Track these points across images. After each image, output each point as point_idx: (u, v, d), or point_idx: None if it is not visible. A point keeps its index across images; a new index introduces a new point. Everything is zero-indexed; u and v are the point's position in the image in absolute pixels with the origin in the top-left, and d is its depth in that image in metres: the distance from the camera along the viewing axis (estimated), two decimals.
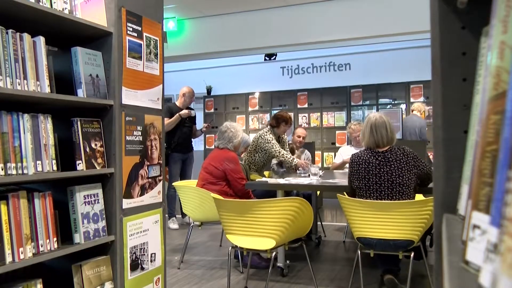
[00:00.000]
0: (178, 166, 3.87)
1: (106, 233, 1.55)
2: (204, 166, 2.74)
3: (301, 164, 3.20)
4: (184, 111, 3.82)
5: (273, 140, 3.26)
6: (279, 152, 3.22)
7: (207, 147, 6.37)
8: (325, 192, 4.83)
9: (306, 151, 3.91)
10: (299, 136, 3.75)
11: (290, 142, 3.76)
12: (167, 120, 3.68)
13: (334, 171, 3.45)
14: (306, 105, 5.90)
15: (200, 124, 4.52)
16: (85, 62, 1.50)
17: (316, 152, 5.38)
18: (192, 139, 4.10)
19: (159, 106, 1.83)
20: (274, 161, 3.69)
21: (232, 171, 2.62)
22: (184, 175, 3.92)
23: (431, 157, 3.47)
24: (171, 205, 3.90)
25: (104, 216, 1.55)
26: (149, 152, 1.76)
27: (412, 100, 5.40)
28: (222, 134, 2.77)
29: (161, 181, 1.83)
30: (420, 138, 4.49)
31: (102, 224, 1.53)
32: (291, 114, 5.80)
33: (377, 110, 5.45)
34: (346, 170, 3.24)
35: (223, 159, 2.65)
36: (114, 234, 1.57)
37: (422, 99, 5.36)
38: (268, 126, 3.47)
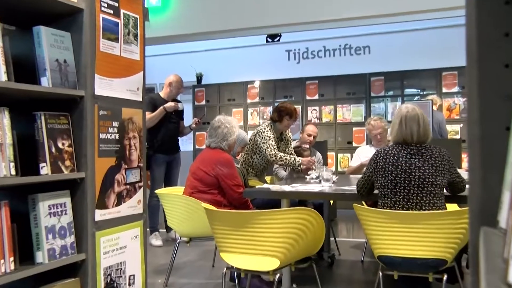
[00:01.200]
0: (162, 170, 3.88)
1: (75, 250, 1.55)
2: (192, 171, 2.73)
3: (306, 162, 3.18)
4: (170, 104, 3.82)
5: (271, 139, 3.27)
6: (274, 155, 3.22)
7: (197, 147, 6.39)
8: (339, 202, 4.84)
9: (317, 153, 3.91)
10: (309, 135, 3.73)
11: (297, 141, 3.78)
12: (149, 115, 3.69)
13: (351, 176, 3.45)
14: (316, 97, 5.91)
15: (188, 119, 4.51)
16: (50, 44, 1.50)
17: (328, 153, 5.38)
18: (179, 138, 4.09)
19: (139, 97, 1.83)
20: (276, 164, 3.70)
21: (226, 176, 2.62)
22: (169, 181, 3.92)
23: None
24: (153, 217, 3.90)
25: (73, 230, 1.55)
26: (128, 153, 1.77)
27: (444, 90, 5.41)
28: (214, 131, 2.77)
29: (142, 188, 1.84)
30: (441, 136, 4.51)
31: (70, 239, 1.54)
32: (298, 108, 5.92)
33: (402, 102, 5.45)
34: None
35: (215, 161, 2.65)
36: (85, 252, 1.57)
37: (456, 88, 5.37)
38: (269, 121, 3.48)
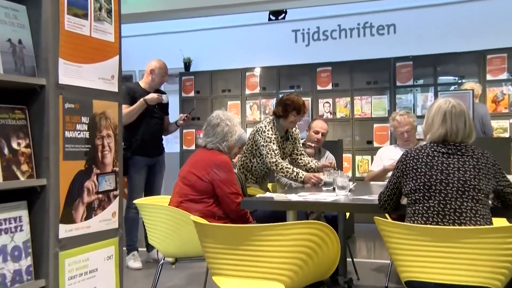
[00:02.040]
0: (142, 175, 3.88)
1: (32, 276, 1.53)
2: (181, 175, 2.74)
3: (310, 179, 3.17)
4: (152, 95, 3.82)
5: (272, 142, 3.28)
6: (275, 164, 3.22)
7: (184, 147, 6.40)
8: (357, 215, 4.83)
9: (329, 154, 3.92)
10: (316, 132, 3.74)
11: (304, 140, 3.77)
12: (126, 108, 3.68)
13: (371, 182, 3.45)
14: (329, 87, 5.91)
15: (174, 114, 4.50)
16: (1, 20, 1.49)
17: (344, 155, 5.37)
18: (163, 137, 4.09)
19: (114, 87, 1.82)
20: None
21: (223, 182, 2.62)
22: (150, 189, 3.94)
23: None
24: (131, 233, 3.90)
25: (30, 250, 1.54)
26: (100, 155, 1.76)
27: (489, 77, 5.36)
28: (212, 129, 2.78)
29: (118, 198, 1.83)
30: (484, 134, 4.47)
31: (26, 262, 1.52)
32: (307, 100, 5.91)
33: (436, 93, 5.45)
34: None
35: (210, 164, 2.66)
36: (44, 278, 1.55)
37: (505, 75, 5.32)
38: (271, 116, 3.48)
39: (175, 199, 2.70)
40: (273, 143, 3.28)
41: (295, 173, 3.21)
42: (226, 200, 2.62)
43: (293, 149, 3.55)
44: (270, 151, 3.25)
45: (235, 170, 3.10)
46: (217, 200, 2.64)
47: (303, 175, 3.20)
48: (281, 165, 3.23)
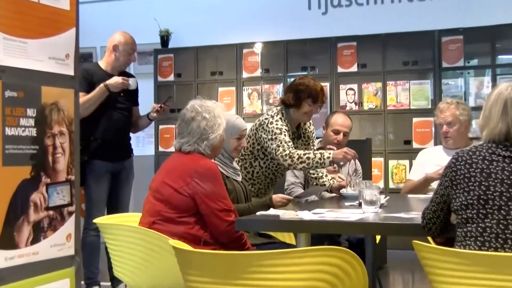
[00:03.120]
0: (104, 186, 3.90)
1: None
2: (153, 188, 2.74)
3: (340, 153, 3.19)
4: (116, 80, 3.83)
5: (283, 133, 3.28)
6: (289, 156, 3.21)
7: (161, 149, 6.40)
8: (391, 239, 4.83)
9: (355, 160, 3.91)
10: (336, 132, 3.73)
11: (318, 142, 3.80)
12: (82, 97, 3.69)
13: (410, 196, 3.46)
14: (354, 68, 5.92)
15: (147, 104, 4.50)
16: None
17: (374, 159, 5.38)
18: (131, 135, 4.11)
19: (69, 69, 1.83)
20: (291, 176, 3.70)
21: (209, 196, 2.61)
22: (115, 203, 3.96)
23: None
24: (91, 262, 3.91)
25: None
26: (51, 159, 1.77)
27: None
28: (186, 125, 2.75)
29: (74, 216, 1.83)
30: None
31: None
32: (325, 86, 5.76)
33: (494, 76, 5.47)
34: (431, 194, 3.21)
35: (191, 172, 2.64)
36: None
37: None
38: (278, 107, 3.49)
39: (145, 220, 2.70)
40: (284, 135, 3.28)
41: (318, 154, 3.20)
42: (214, 220, 2.61)
43: (306, 149, 3.56)
44: (281, 143, 3.24)
45: (238, 178, 3.11)
46: (201, 220, 2.64)
47: (330, 152, 3.20)
48: (297, 155, 3.21)
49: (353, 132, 4.00)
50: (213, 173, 2.67)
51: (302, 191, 3.60)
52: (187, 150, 2.74)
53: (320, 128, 4.10)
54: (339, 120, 3.76)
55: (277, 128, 3.29)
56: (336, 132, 3.72)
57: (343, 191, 3.31)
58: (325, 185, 3.47)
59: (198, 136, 2.73)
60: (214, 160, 2.88)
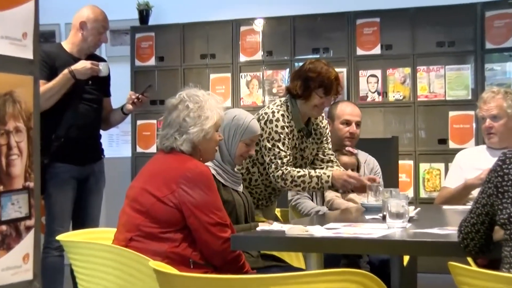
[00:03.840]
0: (69, 194, 3.92)
1: None
2: (131, 196, 2.74)
3: (341, 177, 3.24)
4: (83, 64, 3.84)
5: (281, 141, 3.30)
6: (282, 177, 3.26)
7: (139, 149, 6.41)
8: (422, 260, 4.80)
9: (370, 160, 3.93)
10: (347, 122, 3.76)
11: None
12: (42, 85, 3.69)
13: (445, 207, 3.48)
14: (377, 50, 5.92)
15: (120, 95, 4.49)
16: None
17: (401, 161, 5.38)
18: (101, 132, 4.13)
19: (27, 52, 1.83)
20: None
21: (200, 206, 2.61)
22: (82, 216, 3.98)
23: None
24: (53, 286, 3.90)
25: None
26: (4, 161, 1.76)
27: None
28: (168, 115, 2.78)
29: (33, 232, 1.83)
30: None
31: None
32: (341, 72, 5.81)
33: None
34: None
35: (176, 177, 2.65)
36: None
37: None
38: (283, 99, 3.50)
39: (121, 235, 2.70)
40: (282, 144, 3.31)
41: (315, 178, 3.25)
42: (205, 236, 2.61)
43: (319, 150, 3.58)
44: (275, 157, 3.28)
45: (239, 188, 3.13)
46: (190, 236, 2.64)
47: (329, 174, 3.24)
48: (291, 177, 3.26)
49: (376, 129, 4.02)
50: (204, 178, 2.67)
51: (311, 204, 3.60)
52: (167, 148, 2.75)
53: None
54: (347, 109, 3.79)
55: (275, 132, 3.31)
56: (347, 123, 3.75)
57: (363, 201, 3.31)
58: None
59: (176, 128, 2.74)
60: (210, 164, 2.90)
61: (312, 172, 3.30)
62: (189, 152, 2.74)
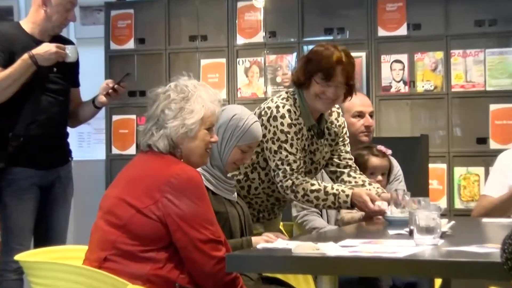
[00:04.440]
0: (29, 205, 3.93)
1: None
2: (106, 208, 2.74)
3: (364, 200, 3.25)
4: (46, 48, 3.84)
5: (289, 142, 3.32)
6: (291, 187, 3.29)
7: (115, 151, 6.42)
8: (457, 283, 4.80)
9: (394, 165, 3.95)
10: (360, 115, 3.85)
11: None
12: None
13: (485, 220, 3.49)
14: (402, 30, 5.94)
15: (92, 84, 4.48)
16: None
17: (432, 165, 5.40)
18: (68, 130, 4.15)
19: None
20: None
21: (188, 219, 2.62)
22: (46, 231, 4.00)
23: None
24: None
25: None
26: None
27: None
28: (149, 107, 2.80)
29: None
30: None
31: None
32: (359, 57, 5.84)
33: None
34: None
35: (161, 183, 2.66)
36: None
37: None
38: (290, 90, 3.53)
39: (93, 254, 2.70)
40: (291, 144, 3.31)
41: (331, 196, 3.26)
42: (195, 256, 2.61)
43: (332, 156, 3.59)
44: (282, 163, 3.29)
45: (233, 197, 3.13)
46: (176, 256, 2.65)
47: (349, 194, 3.25)
48: (303, 189, 3.28)
49: (401, 126, 3.99)
50: (193, 185, 2.67)
51: (321, 222, 3.59)
52: (143, 144, 2.78)
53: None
54: (357, 100, 3.80)
55: (281, 131, 3.32)
56: (359, 115, 3.82)
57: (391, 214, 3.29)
58: None
59: (154, 121, 2.77)
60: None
61: (329, 188, 3.31)
62: (166, 151, 2.76)
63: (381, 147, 3.70)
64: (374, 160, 3.67)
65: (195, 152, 2.83)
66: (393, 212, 3.26)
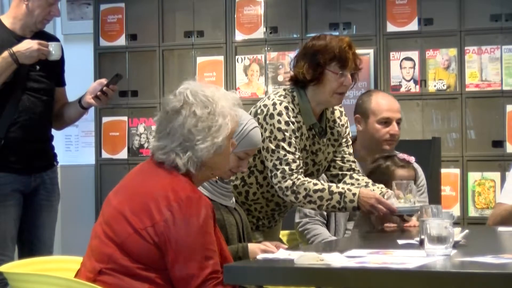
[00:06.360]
0: (12, 212, 3.95)
1: None
2: (106, 216, 2.72)
3: (371, 203, 3.25)
4: (28, 45, 3.86)
5: (286, 141, 3.33)
6: (290, 188, 3.28)
7: (105, 155, 6.38)
8: None
9: (416, 170, 3.94)
10: (387, 122, 3.80)
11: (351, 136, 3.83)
12: None
13: (500, 229, 3.50)
14: (413, 25, 5.96)
15: (80, 84, 4.49)
16: None
17: (444, 170, 5.43)
18: (52, 132, 4.17)
19: None
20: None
21: (185, 250, 2.58)
22: (31, 240, 4.03)
23: None
24: None
25: None
26: None
27: None
28: (167, 120, 2.73)
29: None
30: None
31: None
32: (366, 54, 5.92)
33: None
34: None
35: (158, 203, 2.61)
36: None
37: None
38: (288, 88, 3.54)
39: (89, 262, 2.69)
40: (289, 143, 3.32)
41: (336, 195, 3.27)
42: (182, 282, 2.57)
43: (335, 158, 3.60)
44: (281, 163, 3.30)
45: (230, 203, 3.14)
46: (166, 276, 2.63)
47: (356, 192, 3.26)
48: (304, 188, 3.28)
49: (412, 128, 3.99)
50: (199, 212, 2.62)
51: (324, 232, 3.59)
52: (159, 159, 2.72)
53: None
54: (385, 103, 3.83)
55: (278, 130, 3.33)
56: (386, 122, 3.77)
57: (397, 204, 3.33)
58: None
59: (179, 142, 2.69)
60: None
61: (334, 187, 3.32)
62: (191, 174, 2.72)
63: (403, 155, 3.65)
64: (401, 172, 3.62)
65: (221, 165, 2.82)
66: (396, 204, 3.30)
